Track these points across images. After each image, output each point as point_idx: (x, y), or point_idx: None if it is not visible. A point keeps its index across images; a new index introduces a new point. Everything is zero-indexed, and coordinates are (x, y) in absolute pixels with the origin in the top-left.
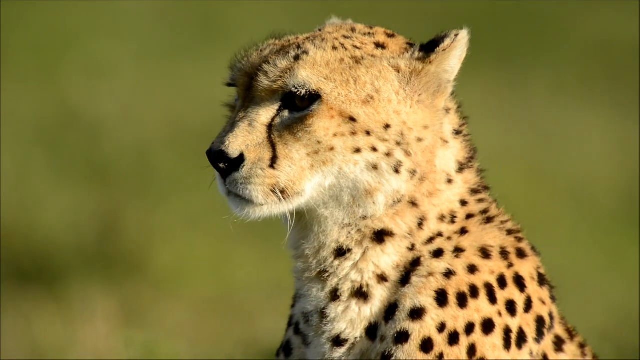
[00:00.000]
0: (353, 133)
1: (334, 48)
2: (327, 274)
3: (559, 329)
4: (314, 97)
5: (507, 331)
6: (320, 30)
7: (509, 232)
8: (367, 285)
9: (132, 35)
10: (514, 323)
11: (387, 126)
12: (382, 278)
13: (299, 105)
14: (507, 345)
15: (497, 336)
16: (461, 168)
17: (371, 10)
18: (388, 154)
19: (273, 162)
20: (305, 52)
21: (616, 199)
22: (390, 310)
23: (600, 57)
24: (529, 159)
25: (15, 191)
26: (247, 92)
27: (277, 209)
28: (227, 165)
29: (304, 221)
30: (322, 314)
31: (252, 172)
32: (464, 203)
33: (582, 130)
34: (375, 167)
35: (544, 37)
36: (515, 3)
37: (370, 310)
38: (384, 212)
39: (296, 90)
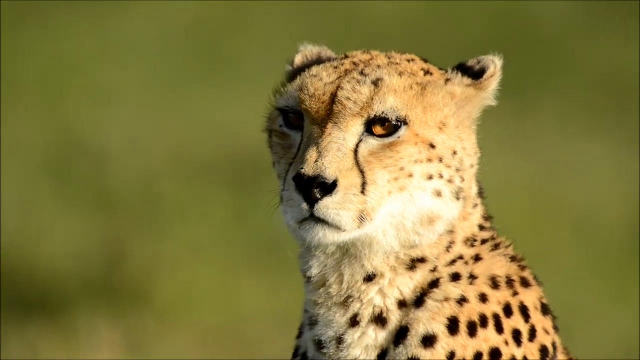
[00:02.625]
0: (429, 160)
1: (400, 74)
2: (351, 299)
3: (561, 359)
4: (399, 124)
5: None
6: (346, 56)
7: (512, 258)
8: (387, 311)
9: (138, 63)
10: (519, 352)
11: (454, 152)
12: (402, 303)
13: (381, 132)
14: None
15: None
16: (480, 192)
17: (379, 37)
18: (450, 180)
19: (363, 187)
20: (380, 78)
21: (622, 230)
22: (400, 334)
23: (607, 88)
24: (534, 188)
25: (20, 220)
26: (325, 117)
27: (352, 235)
28: (322, 191)
29: (345, 247)
30: (339, 340)
31: (346, 197)
32: (481, 228)
33: (588, 161)
34: (439, 194)
35: (551, 68)
36: (523, 32)
37: (385, 335)
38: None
39: (386, 116)
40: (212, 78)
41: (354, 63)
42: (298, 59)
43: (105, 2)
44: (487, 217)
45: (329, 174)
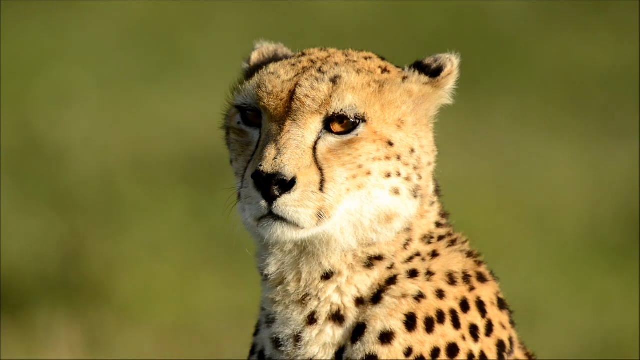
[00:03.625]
0: (387, 157)
1: (358, 71)
2: (309, 297)
3: (518, 354)
4: (357, 121)
5: (470, 356)
6: (304, 54)
7: (469, 254)
8: (345, 308)
9: (96, 61)
10: (476, 347)
11: (412, 150)
12: (359, 301)
13: (339, 129)
14: None
15: None
16: (437, 190)
17: (335, 35)
18: (407, 178)
19: (322, 185)
20: (338, 76)
21: (580, 226)
22: (358, 330)
23: (564, 84)
24: (494, 185)
25: None
26: (283, 114)
27: (311, 232)
28: (281, 188)
29: (303, 245)
30: (297, 338)
31: (304, 195)
32: (438, 225)
33: (547, 157)
34: (397, 192)
35: (508, 64)
36: (479, 29)
37: (342, 333)
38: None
39: (344, 114)
40: (169, 76)
41: (312, 61)
42: (254, 57)
43: (61, 1)
44: (444, 214)
45: (288, 171)
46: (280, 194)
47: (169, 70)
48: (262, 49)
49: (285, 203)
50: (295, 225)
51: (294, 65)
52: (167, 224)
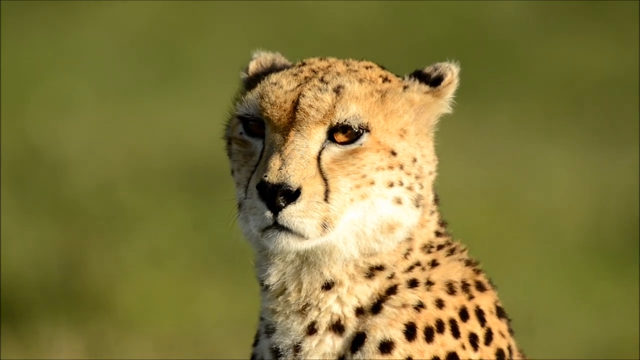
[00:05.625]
0: (390, 167)
1: (360, 81)
2: (309, 307)
3: None
4: (361, 131)
5: None
6: (304, 64)
7: (468, 263)
8: (345, 318)
9: (95, 71)
10: (476, 356)
11: (414, 160)
12: (359, 311)
13: (343, 139)
14: None
15: None
16: (436, 199)
17: (335, 42)
18: (410, 188)
19: (326, 195)
20: (342, 86)
21: (581, 233)
22: (357, 340)
23: (563, 90)
24: (493, 192)
25: None
26: (287, 124)
27: (315, 242)
28: (286, 199)
29: (305, 255)
30: (297, 348)
31: (310, 205)
32: (437, 234)
33: (546, 164)
34: (399, 202)
35: (507, 70)
36: (478, 35)
37: (342, 343)
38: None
39: (348, 124)
40: (169, 84)
41: (313, 70)
42: (252, 66)
43: (60, 10)
44: (443, 223)
45: (293, 181)
46: (286, 205)
47: (168, 80)
48: (260, 58)
49: (291, 214)
50: (300, 235)
51: (295, 75)
52: (168, 234)
